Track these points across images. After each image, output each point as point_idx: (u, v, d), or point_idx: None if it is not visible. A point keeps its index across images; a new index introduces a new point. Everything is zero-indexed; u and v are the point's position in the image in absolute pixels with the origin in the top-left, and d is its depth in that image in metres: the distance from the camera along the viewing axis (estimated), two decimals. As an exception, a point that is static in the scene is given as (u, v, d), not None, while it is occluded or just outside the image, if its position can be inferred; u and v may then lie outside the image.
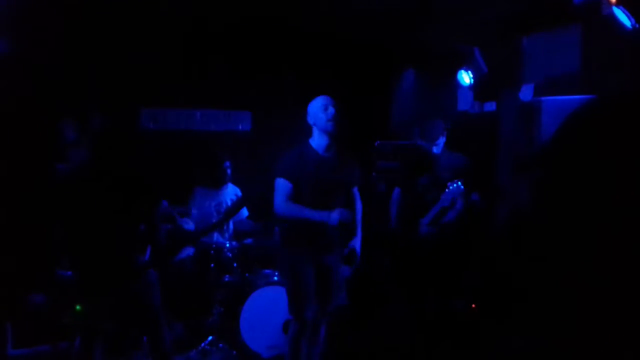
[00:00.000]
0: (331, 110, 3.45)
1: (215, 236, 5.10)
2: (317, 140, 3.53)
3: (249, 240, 4.95)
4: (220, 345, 4.42)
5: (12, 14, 4.20)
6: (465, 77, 5.29)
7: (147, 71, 5.52)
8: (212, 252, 4.55)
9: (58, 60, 5.04)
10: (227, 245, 4.65)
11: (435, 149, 4.29)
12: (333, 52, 6.08)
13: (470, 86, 5.33)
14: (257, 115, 6.21)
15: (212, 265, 4.51)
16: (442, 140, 4.30)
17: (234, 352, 4.41)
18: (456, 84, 5.43)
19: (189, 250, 4.95)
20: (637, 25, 3.45)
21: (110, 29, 5.17)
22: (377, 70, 6.47)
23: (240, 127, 6.19)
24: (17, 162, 3.67)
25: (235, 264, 4.58)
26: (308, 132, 3.60)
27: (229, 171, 5.16)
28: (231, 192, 5.25)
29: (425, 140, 4.26)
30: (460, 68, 5.29)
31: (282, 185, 3.47)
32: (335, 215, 3.38)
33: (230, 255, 4.57)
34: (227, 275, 4.56)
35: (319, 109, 3.49)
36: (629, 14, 3.48)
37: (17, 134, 3.91)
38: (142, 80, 5.54)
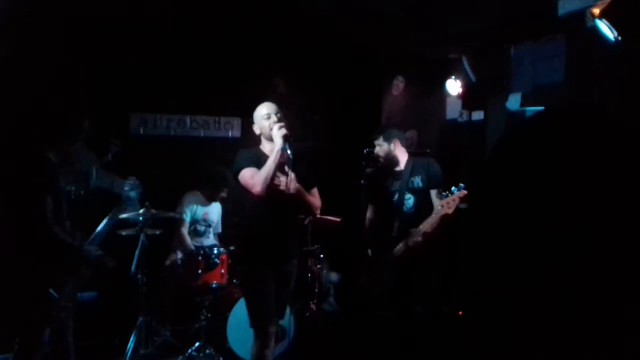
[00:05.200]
0: (274, 119, 3.42)
1: (202, 241, 5.14)
2: (267, 147, 3.48)
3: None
4: (207, 351, 4.43)
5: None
6: (454, 86, 5.34)
7: (137, 77, 5.55)
8: (200, 257, 4.56)
9: (49, 64, 5.05)
10: (215, 251, 4.66)
11: None
12: (323, 59, 6.13)
13: (459, 95, 5.38)
14: (247, 122, 6.22)
15: (200, 271, 4.52)
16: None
17: (221, 357, 4.42)
18: (444, 93, 5.48)
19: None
20: (619, 38, 3.50)
21: (101, 34, 5.19)
22: (367, 78, 6.52)
23: (230, 134, 6.22)
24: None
25: (222, 270, 4.59)
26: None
27: None
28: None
29: None
30: (449, 77, 5.35)
31: (251, 171, 3.38)
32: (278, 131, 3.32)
33: (218, 261, 4.58)
34: (215, 281, 4.57)
35: (261, 118, 3.47)
36: (611, 27, 3.53)
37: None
38: (132, 85, 5.56)
